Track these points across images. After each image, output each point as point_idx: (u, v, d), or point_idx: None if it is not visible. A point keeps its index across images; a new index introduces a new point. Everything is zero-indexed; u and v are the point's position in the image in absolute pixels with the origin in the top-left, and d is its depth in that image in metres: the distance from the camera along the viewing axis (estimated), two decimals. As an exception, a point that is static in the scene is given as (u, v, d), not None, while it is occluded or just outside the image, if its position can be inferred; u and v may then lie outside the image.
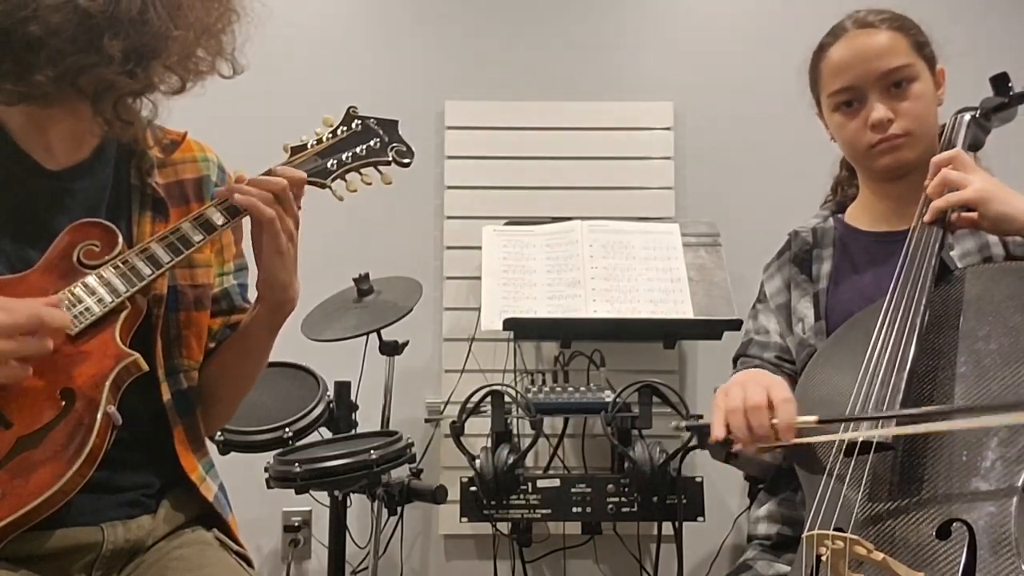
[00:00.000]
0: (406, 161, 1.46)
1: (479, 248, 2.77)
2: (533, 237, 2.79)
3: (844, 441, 1.28)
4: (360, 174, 1.44)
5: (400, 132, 1.47)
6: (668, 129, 3.03)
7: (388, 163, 1.46)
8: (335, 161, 1.42)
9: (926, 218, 1.46)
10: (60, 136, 1.32)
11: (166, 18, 1.25)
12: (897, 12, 1.62)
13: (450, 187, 3.02)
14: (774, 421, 1.35)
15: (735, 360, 1.74)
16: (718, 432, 1.40)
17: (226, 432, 2.30)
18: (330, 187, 1.42)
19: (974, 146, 1.60)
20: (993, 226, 1.43)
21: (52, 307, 1.18)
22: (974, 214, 1.43)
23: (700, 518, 2.30)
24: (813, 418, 1.34)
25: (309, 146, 1.42)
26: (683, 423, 2.24)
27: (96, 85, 1.24)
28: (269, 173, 1.34)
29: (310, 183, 1.40)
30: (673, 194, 3.01)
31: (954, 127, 1.59)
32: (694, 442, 2.20)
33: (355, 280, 2.64)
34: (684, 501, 2.28)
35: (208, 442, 1.47)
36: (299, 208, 1.34)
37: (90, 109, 1.27)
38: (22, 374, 1.15)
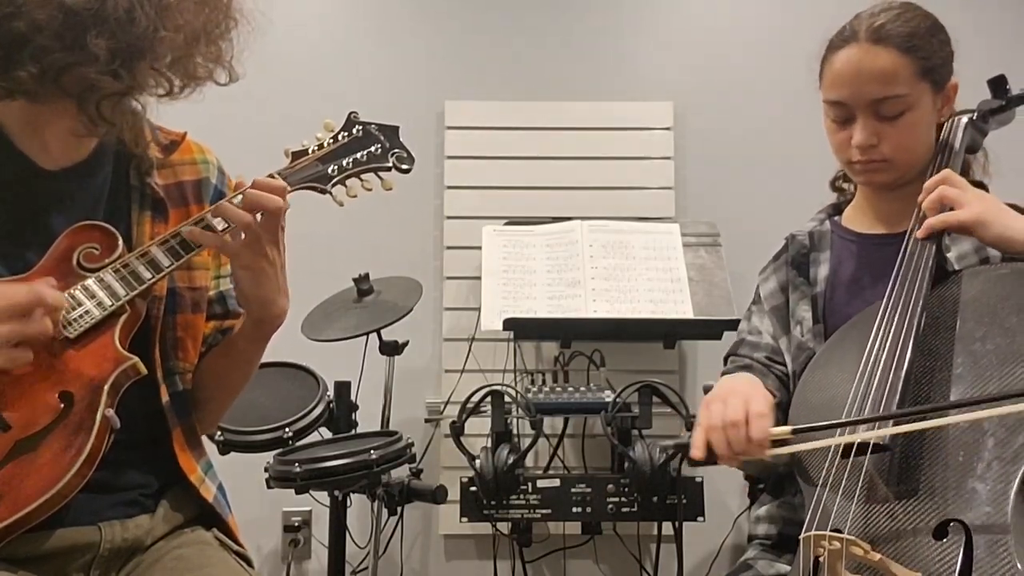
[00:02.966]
0: (406, 167, 1.45)
1: (479, 248, 2.78)
2: (533, 237, 2.79)
3: (840, 443, 1.28)
4: (361, 180, 1.43)
5: (401, 138, 1.46)
6: (668, 129, 3.03)
7: (389, 169, 1.44)
8: (335, 167, 1.40)
9: (919, 234, 1.44)
10: (57, 137, 1.31)
11: (154, 18, 1.23)
12: (922, 23, 1.54)
13: (450, 187, 3.02)
14: (750, 435, 1.36)
15: (726, 359, 1.74)
16: (697, 452, 1.41)
17: (226, 432, 2.30)
18: (330, 192, 1.40)
19: (971, 148, 1.59)
20: (991, 246, 1.41)
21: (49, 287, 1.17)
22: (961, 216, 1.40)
23: (700, 518, 2.30)
24: (787, 429, 1.35)
25: (310, 151, 1.40)
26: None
27: (80, 84, 1.23)
28: (253, 186, 1.31)
29: (310, 188, 1.39)
30: (673, 194, 3.01)
31: (951, 130, 1.58)
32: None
33: (355, 280, 2.64)
34: (684, 501, 2.28)
35: (207, 442, 1.46)
36: (281, 227, 1.31)
37: (79, 113, 1.26)
38: (24, 358, 1.15)
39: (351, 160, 1.42)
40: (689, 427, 2.31)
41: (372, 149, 1.43)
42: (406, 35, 3.12)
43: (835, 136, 1.59)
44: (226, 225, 1.29)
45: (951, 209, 1.41)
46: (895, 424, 1.24)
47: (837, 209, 1.75)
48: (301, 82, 3.01)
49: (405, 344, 2.66)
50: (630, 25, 3.12)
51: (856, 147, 1.54)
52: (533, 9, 3.13)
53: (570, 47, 3.11)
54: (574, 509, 2.31)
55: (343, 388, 2.57)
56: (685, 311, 2.60)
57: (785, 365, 1.64)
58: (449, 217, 3.01)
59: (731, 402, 1.40)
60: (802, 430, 1.34)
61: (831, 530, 1.22)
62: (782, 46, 2.96)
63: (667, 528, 2.32)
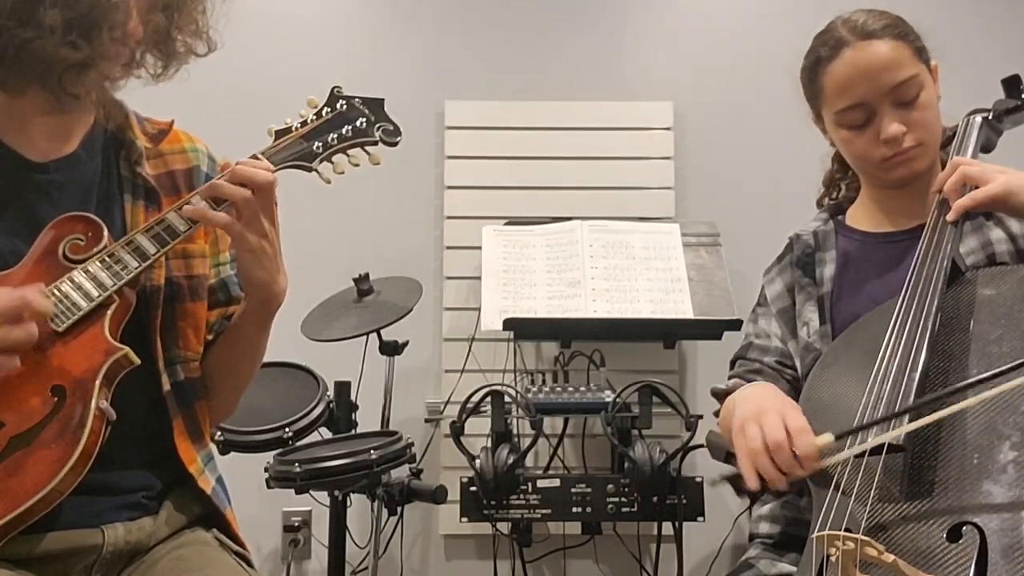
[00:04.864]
0: (395, 140, 1.42)
1: (479, 248, 2.77)
2: (533, 237, 2.79)
3: (878, 444, 1.25)
4: (347, 155, 1.41)
5: (387, 111, 1.43)
6: (668, 129, 3.03)
7: (375, 143, 1.42)
8: (320, 143, 1.38)
9: (949, 216, 1.43)
10: (42, 131, 1.31)
11: None
12: (892, 16, 1.56)
13: (450, 187, 3.02)
14: (796, 452, 1.30)
15: (733, 362, 1.72)
16: (753, 484, 1.34)
17: (226, 432, 2.30)
18: (316, 170, 1.38)
19: (986, 148, 1.59)
20: (1022, 215, 1.41)
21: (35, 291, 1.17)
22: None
23: (700, 518, 2.30)
24: (830, 437, 1.29)
25: (294, 129, 1.38)
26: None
27: (40, 59, 1.22)
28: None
29: (295, 167, 1.36)
30: (673, 194, 3.01)
31: (966, 129, 1.57)
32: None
33: (355, 280, 2.64)
34: (684, 501, 2.28)
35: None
36: (275, 203, 1.30)
37: (43, 90, 1.25)
38: (11, 364, 1.14)
39: (336, 136, 1.40)
40: (689, 427, 2.31)
41: (358, 123, 1.41)
42: (406, 35, 3.11)
43: (856, 143, 1.56)
44: (211, 208, 1.28)
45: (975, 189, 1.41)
46: (933, 411, 1.21)
47: (839, 208, 1.73)
48: (300, 82, 2.97)
49: (405, 344, 2.66)
50: (630, 25, 3.12)
51: (888, 140, 1.52)
52: (533, 10, 3.12)
53: (570, 47, 3.11)
54: (574, 509, 2.30)
55: (343, 388, 2.56)
56: (685, 311, 2.60)
57: (795, 369, 1.63)
58: (449, 217, 3.01)
59: (768, 421, 1.34)
60: (843, 435, 1.28)
61: (844, 530, 1.21)
62: (783, 46, 2.94)
63: (667, 528, 2.31)
